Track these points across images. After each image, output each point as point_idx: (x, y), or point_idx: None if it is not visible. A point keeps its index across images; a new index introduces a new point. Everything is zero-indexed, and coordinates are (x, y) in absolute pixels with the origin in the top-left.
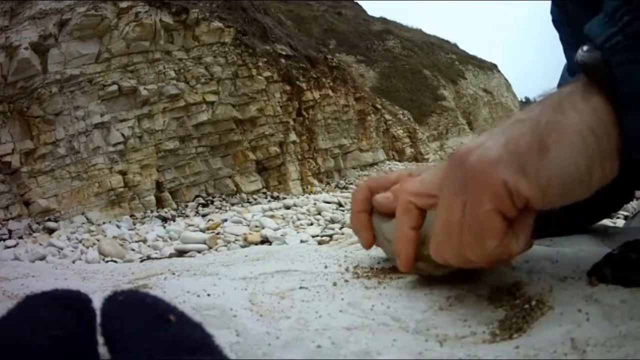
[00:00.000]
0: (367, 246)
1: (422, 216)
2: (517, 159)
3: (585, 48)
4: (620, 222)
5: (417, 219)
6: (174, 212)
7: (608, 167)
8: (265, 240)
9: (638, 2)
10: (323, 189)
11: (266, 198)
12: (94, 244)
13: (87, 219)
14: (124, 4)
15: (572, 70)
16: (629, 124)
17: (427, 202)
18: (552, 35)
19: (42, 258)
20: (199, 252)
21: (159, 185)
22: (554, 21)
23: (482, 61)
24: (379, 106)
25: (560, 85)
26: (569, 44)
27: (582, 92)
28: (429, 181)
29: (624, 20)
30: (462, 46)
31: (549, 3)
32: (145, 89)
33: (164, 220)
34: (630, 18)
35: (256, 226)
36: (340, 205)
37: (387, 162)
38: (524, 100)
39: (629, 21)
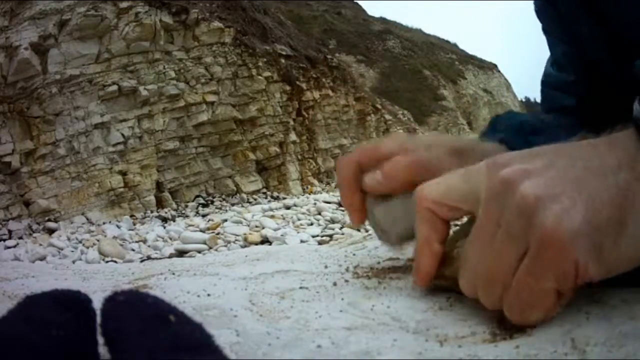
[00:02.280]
0: (357, 224)
1: (447, 227)
2: (595, 236)
3: None
4: None
5: (443, 231)
6: (174, 212)
7: None
8: (265, 241)
9: None
10: (323, 189)
11: (266, 198)
12: (94, 244)
13: (87, 219)
14: (124, 4)
15: (559, 65)
16: None
17: (450, 215)
18: None
19: (42, 258)
20: (199, 252)
21: (159, 186)
22: (537, 11)
23: (482, 61)
24: (379, 106)
25: (545, 83)
26: (556, 37)
27: None
28: (455, 190)
29: None
30: (462, 46)
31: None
32: (145, 89)
33: (164, 220)
34: None
35: (256, 226)
36: (340, 205)
37: None
38: (523, 100)
39: None
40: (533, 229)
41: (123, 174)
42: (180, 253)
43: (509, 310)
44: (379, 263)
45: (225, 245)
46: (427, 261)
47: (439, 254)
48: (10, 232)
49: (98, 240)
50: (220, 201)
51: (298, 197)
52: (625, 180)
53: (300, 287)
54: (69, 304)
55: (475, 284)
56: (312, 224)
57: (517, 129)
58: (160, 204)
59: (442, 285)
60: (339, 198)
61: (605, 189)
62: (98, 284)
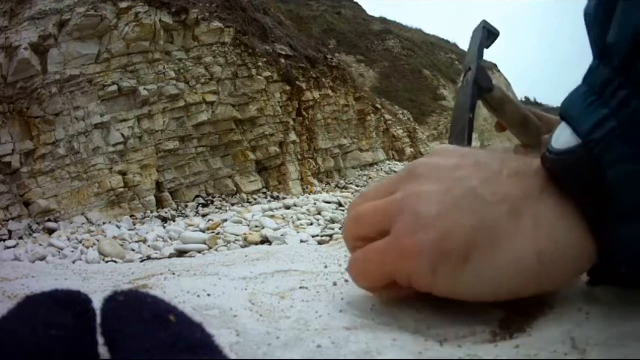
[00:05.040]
0: None
1: None
2: (437, 259)
3: (560, 135)
4: None
5: None
6: (174, 213)
7: (557, 285)
8: (265, 240)
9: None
10: (323, 189)
11: (266, 198)
12: (94, 244)
13: (87, 219)
14: (123, 5)
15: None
16: (620, 237)
17: None
18: (552, 35)
19: (43, 258)
20: (199, 252)
21: (159, 186)
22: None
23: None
24: (379, 106)
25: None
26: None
27: (553, 196)
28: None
29: (618, 97)
30: (462, 46)
31: (548, 3)
32: (145, 89)
33: (164, 220)
34: (628, 94)
35: (256, 226)
36: (340, 205)
37: (387, 162)
38: (523, 100)
39: (626, 99)
40: (399, 222)
41: (123, 174)
42: (180, 253)
43: (351, 262)
44: None
45: (225, 245)
46: None
47: None
48: (10, 232)
49: (98, 241)
50: (220, 201)
51: (298, 197)
52: (499, 216)
53: (301, 287)
54: (69, 304)
55: (353, 214)
56: (312, 224)
57: None
58: (160, 204)
59: None
60: (339, 198)
61: (471, 220)
62: (98, 284)
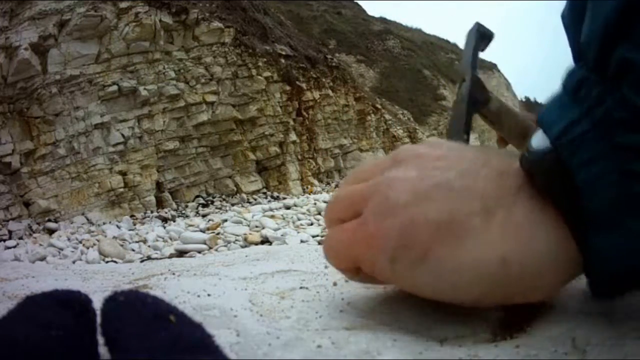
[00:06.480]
0: None
1: None
2: (396, 251)
3: (534, 141)
4: None
5: None
6: (174, 213)
7: (536, 296)
8: (265, 240)
9: (618, 67)
10: (323, 189)
11: (266, 198)
12: (94, 244)
13: (87, 219)
14: (123, 5)
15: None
16: (595, 246)
17: None
18: (551, 35)
19: (42, 258)
20: (199, 252)
21: (159, 186)
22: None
23: (482, 61)
24: (379, 106)
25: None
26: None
27: (531, 199)
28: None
29: (592, 95)
30: (462, 46)
31: (548, 3)
32: (145, 89)
33: (164, 220)
34: (602, 90)
35: (256, 226)
36: None
37: None
38: (523, 99)
39: (600, 96)
40: (369, 206)
41: (123, 174)
42: (181, 253)
43: (325, 239)
44: None
45: (225, 245)
46: None
47: None
48: (10, 232)
49: (98, 241)
50: (220, 201)
51: (298, 197)
52: (469, 213)
53: (301, 287)
54: (69, 304)
55: (333, 196)
56: (312, 224)
57: None
58: (160, 204)
59: None
60: None
61: (439, 212)
62: (98, 284)
